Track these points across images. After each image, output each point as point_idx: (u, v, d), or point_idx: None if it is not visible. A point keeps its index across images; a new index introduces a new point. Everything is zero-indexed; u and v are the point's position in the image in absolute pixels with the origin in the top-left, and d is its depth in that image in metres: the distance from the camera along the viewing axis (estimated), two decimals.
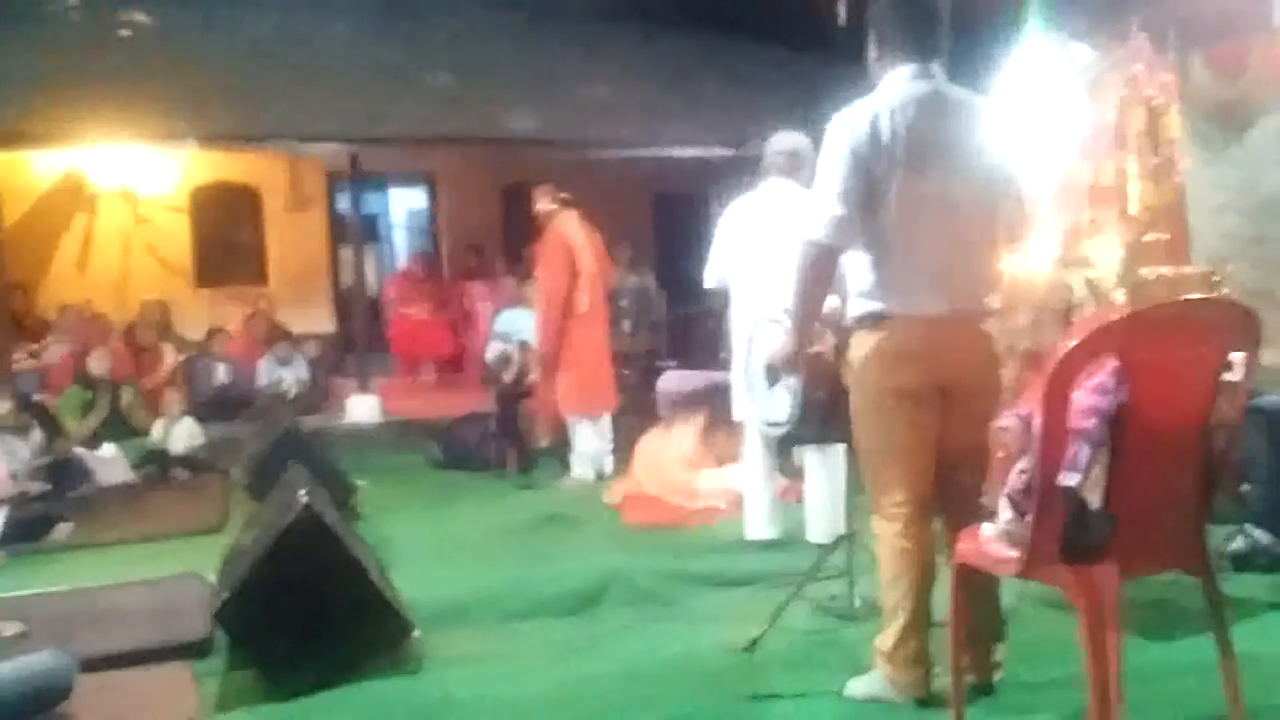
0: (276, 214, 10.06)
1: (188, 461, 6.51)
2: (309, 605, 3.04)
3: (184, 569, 4.20)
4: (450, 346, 9.50)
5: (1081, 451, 2.09)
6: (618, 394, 6.18)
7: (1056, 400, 2.09)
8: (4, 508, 5.05)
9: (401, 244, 12.11)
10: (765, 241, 4.14)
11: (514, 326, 7.41)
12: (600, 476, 5.89)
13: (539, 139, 8.30)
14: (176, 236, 9.64)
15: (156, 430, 6.74)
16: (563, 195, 6.17)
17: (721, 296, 4.52)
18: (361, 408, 7.81)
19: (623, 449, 5.88)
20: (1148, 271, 4.57)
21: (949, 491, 2.69)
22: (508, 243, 9.94)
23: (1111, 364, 2.12)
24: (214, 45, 8.29)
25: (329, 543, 3.11)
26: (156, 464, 6.44)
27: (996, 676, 2.77)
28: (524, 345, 6.83)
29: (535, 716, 2.87)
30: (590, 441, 5.99)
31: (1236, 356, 2.38)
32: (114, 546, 4.97)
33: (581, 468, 5.96)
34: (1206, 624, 2.39)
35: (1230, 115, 5.59)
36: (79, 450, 6.12)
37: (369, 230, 10.81)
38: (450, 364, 9.56)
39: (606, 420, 6.10)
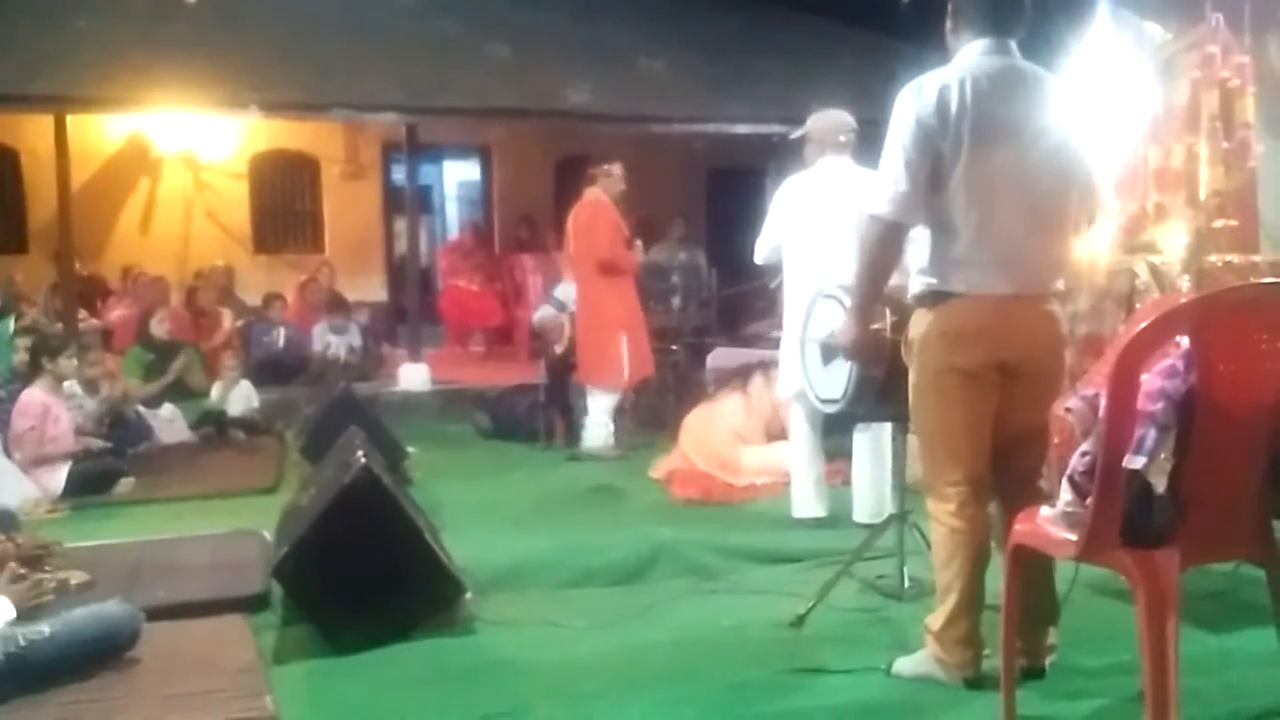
0: (333, 182, 10.19)
1: (244, 423, 6.65)
2: (364, 564, 3.10)
3: (240, 526, 4.30)
4: (500, 317, 9.58)
5: (1149, 435, 2.06)
6: (618, 373, 5.94)
7: (1125, 382, 2.05)
8: (68, 462, 5.21)
9: (454, 215, 12.19)
10: (819, 218, 4.11)
11: (569, 296, 7.45)
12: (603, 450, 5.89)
13: (594, 113, 8.29)
14: (236, 202, 9.81)
15: (215, 392, 6.89)
16: (591, 171, 6.14)
17: (772, 272, 4.49)
18: (412, 376, 7.91)
19: (670, 424, 5.89)
20: (1215, 258, 4.45)
21: (1006, 474, 2.67)
22: (559, 216, 9.93)
23: (1182, 348, 2.08)
24: (277, 14, 8.38)
25: (386, 503, 3.16)
26: (214, 424, 6.58)
27: (1049, 661, 2.75)
28: (575, 316, 6.86)
29: (583, 681, 2.90)
30: (596, 413, 5.99)
31: None
32: (173, 502, 5.11)
33: (594, 438, 5.97)
34: (1265, 618, 2.35)
35: None
36: (140, 409, 6.28)
37: (423, 201, 10.90)
38: (500, 335, 9.64)
39: (605, 396, 5.99)
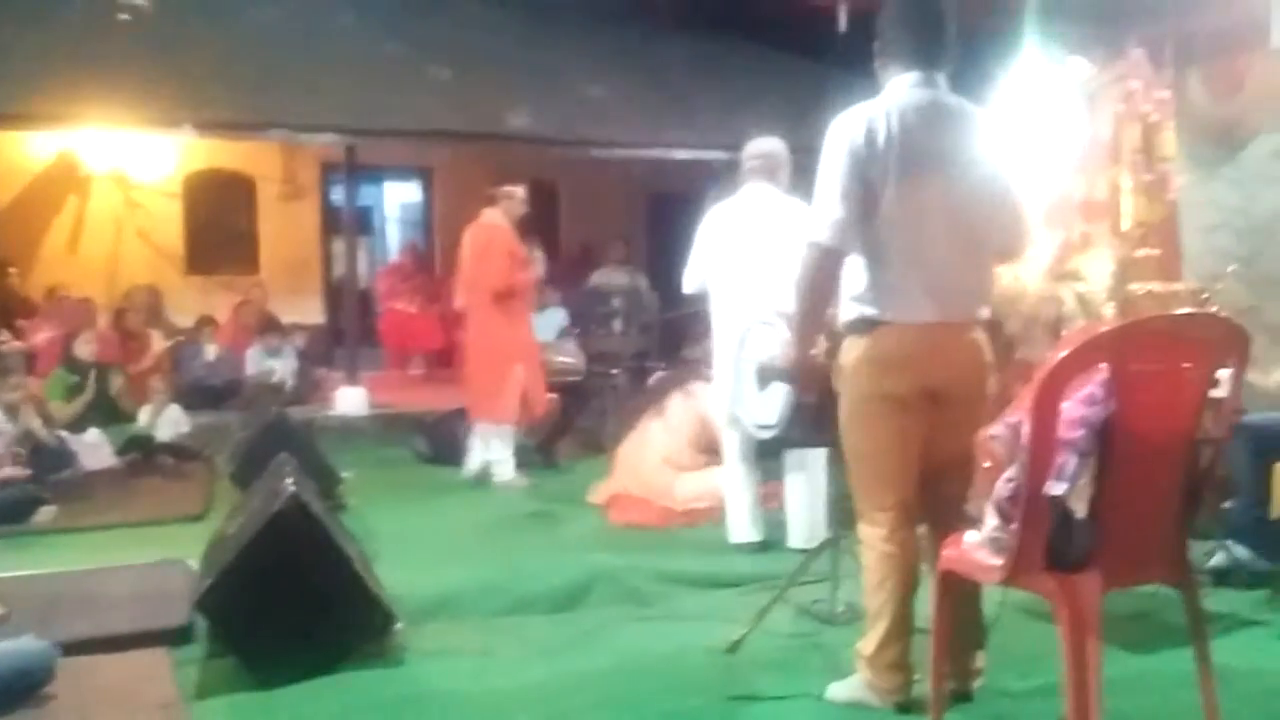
0: (270, 203, 10.03)
1: (173, 448, 6.48)
2: (292, 595, 3.03)
3: (166, 555, 4.18)
4: (440, 340, 9.48)
5: (1069, 461, 2.10)
6: (510, 409, 5.76)
7: (1046, 409, 2.10)
8: None
9: (395, 237, 12.08)
10: (745, 245, 4.15)
11: None
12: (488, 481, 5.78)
13: (536, 137, 8.29)
14: (169, 222, 9.60)
15: (142, 416, 6.71)
16: (490, 191, 5.91)
17: (704, 300, 4.51)
18: (349, 399, 7.79)
19: (610, 448, 5.88)
20: (1138, 287, 4.60)
21: (935, 498, 2.70)
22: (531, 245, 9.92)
23: (1101, 375, 2.13)
24: (213, 32, 8.26)
25: (315, 533, 3.10)
26: (140, 450, 6.41)
27: (976, 684, 2.78)
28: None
29: (515, 712, 2.86)
30: (498, 450, 5.80)
31: (1224, 373, 2.40)
32: (96, 531, 4.96)
33: (502, 474, 5.80)
34: (1186, 638, 2.40)
35: (1226, 134, 5.62)
36: (62, 434, 6.09)
37: (363, 222, 10.78)
38: (439, 358, 9.54)
39: (497, 430, 5.81)
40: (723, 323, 4.21)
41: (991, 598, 2.75)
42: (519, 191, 5.86)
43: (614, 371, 7.29)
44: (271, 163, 9.87)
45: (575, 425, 6.91)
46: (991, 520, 2.28)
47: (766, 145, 4.28)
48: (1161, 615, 3.20)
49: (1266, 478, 3.94)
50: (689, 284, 4.46)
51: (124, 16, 8.18)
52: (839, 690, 2.80)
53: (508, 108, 8.16)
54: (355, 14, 8.94)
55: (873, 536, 2.69)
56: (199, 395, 7.48)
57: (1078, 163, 5.41)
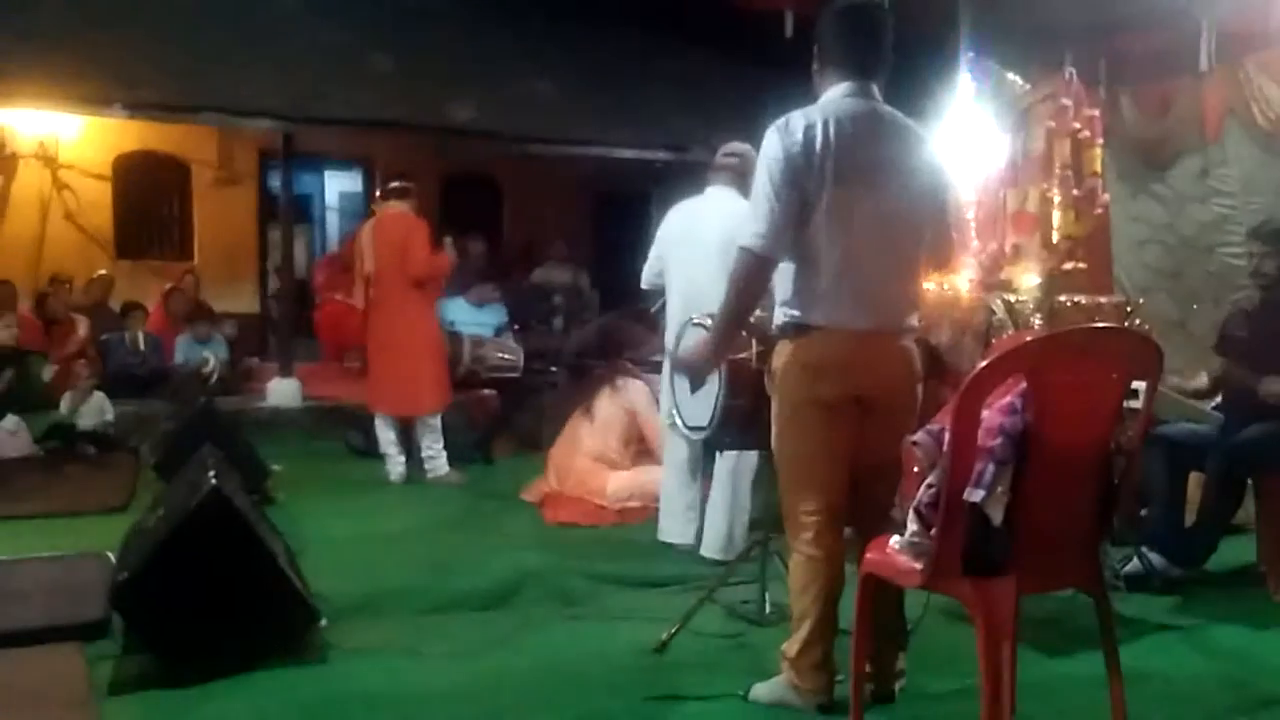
0: (205, 188, 9.80)
1: (95, 438, 6.30)
2: (211, 590, 2.96)
3: (85, 547, 4.07)
4: None
5: (987, 469, 2.14)
6: (408, 401, 5.74)
7: (966, 418, 2.14)
8: None
9: (335, 227, 11.88)
10: (699, 246, 4.16)
11: (458, 315, 7.36)
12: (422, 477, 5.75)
13: (479, 130, 8.22)
14: (98, 205, 9.32)
15: (65, 404, 6.51)
16: (391, 185, 6.03)
17: (653, 297, 4.52)
18: (282, 391, 7.65)
19: (546, 445, 5.84)
20: (1065, 298, 4.71)
21: (861, 503, 2.74)
22: (444, 233, 9.83)
23: (1021, 386, 2.18)
24: (149, 10, 8.04)
25: (236, 527, 3.03)
26: (62, 438, 6.22)
27: (898, 685, 2.82)
28: (454, 336, 6.78)
29: (439, 712, 2.84)
30: (384, 441, 5.78)
31: (1140, 385, 2.48)
32: (12, 521, 4.79)
33: (437, 469, 5.77)
34: (1097, 643, 2.47)
35: (1155, 152, 5.80)
36: None
37: (301, 211, 10.58)
38: None
39: (428, 422, 5.77)
40: (674, 322, 4.22)
41: (915, 601, 2.80)
42: (413, 187, 6.05)
43: (553, 369, 7.26)
44: (207, 147, 9.64)
45: (513, 422, 6.87)
46: (913, 525, 2.33)
47: (737, 148, 4.29)
48: (1076, 620, 3.27)
49: (1181, 486, 4.07)
50: (645, 279, 4.45)
51: None
52: (762, 691, 2.83)
53: (450, 100, 8.09)
54: None
55: (799, 540, 2.72)
56: (125, 383, 7.27)
57: (1011, 176, 5.54)
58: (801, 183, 2.57)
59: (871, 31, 2.71)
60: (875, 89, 2.70)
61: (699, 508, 4.37)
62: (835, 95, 2.67)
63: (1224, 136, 5.39)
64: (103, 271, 8.78)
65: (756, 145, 2.71)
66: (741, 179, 4.20)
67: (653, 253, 4.43)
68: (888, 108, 2.71)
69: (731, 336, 2.81)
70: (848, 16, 2.71)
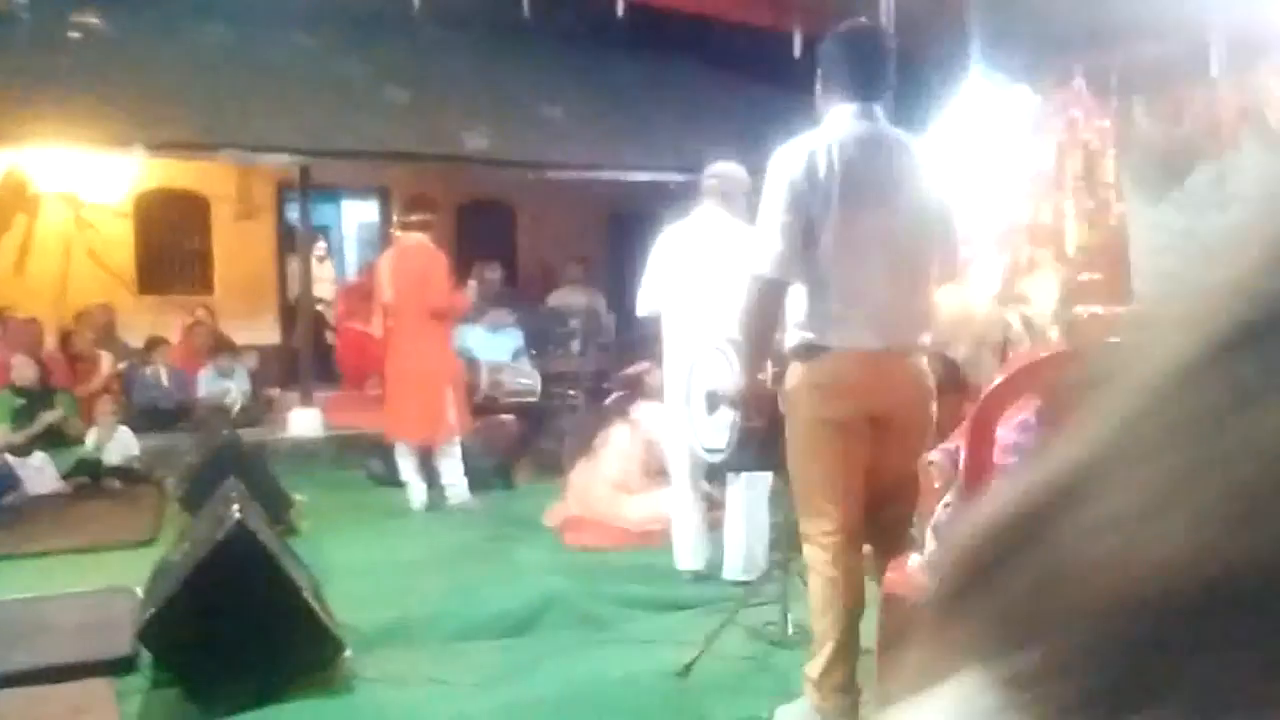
0: (224, 222, 9.92)
1: (121, 472, 6.37)
2: (238, 624, 2.99)
3: (113, 582, 4.11)
4: None
5: None
6: (430, 428, 5.81)
7: (981, 435, 2.14)
8: None
9: (352, 257, 11.99)
10: (697, 269, 4.17)
11: (477, 342, 7.41)
12: (443, 503, 5.79)
13: (493, 158, 8.30)
14: (120, 242, 9.46)
15: (90, 439, 6.59)
16: (411, 218, 6.15)
17: (656, 323, 4.52)
18: (303, 421, 7.71)
19: (567, 469, 5.86)
20: (1082, 310, 4.70)
21: (879, 522, 2.74)
22: (461, 260, 9.91)
23: (1035, 402, 2.18)
24: (167, 51, 8.18)
25: (261, 560, 3.07)
26: (88, 473, 6.29)
27: None
28: (471, 363, 6.83)
29: None
30: (406, 469, 5.84)
31: None
32: (41, 557, 4.85)
33: (457, 495, 5.82)
34: None
35: (1170, 160, 5.78)
36: (7, 458, 5.97)
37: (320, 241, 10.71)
38: None
39: (447, 450, 5.85)
40: (674, 346, 4.23)
41: None
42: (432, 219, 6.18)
43: (571, 393, 7.29)
44: (226, 182, 9.76)
45: (533, 447, 6.90)
46: (931, 544, 2.33)
47: (721, 168, 4.31)
48: None
49: None
50: (642, 307, 4.47)
51: (75, 34, 8.09)
52: (787, 714, 2.82)
53: (464, 129, 8.17)
54: (312, 34, 8.90)
55: (818, 560, 2.72)
56: (150, 418, 7.36)
57: (1023, 188, 5.53)
58: (806, 206, 2.59)
59: (874, 54, 2.73)
60: (879, 110, 2.72)
61: (708, 534, 4.36)
62: (840, 118, 2.70)
63: (1241, 142, 5.37)
64: (102, 301, 8.85)
65: (765, 165, 2.74)
66: (725, 198, 4.23)
67: (645, 280, 4.44)
68: (892, 129, 2.73)
69: (758, 361, 2.81)
70: (850, 40, 2.74)
